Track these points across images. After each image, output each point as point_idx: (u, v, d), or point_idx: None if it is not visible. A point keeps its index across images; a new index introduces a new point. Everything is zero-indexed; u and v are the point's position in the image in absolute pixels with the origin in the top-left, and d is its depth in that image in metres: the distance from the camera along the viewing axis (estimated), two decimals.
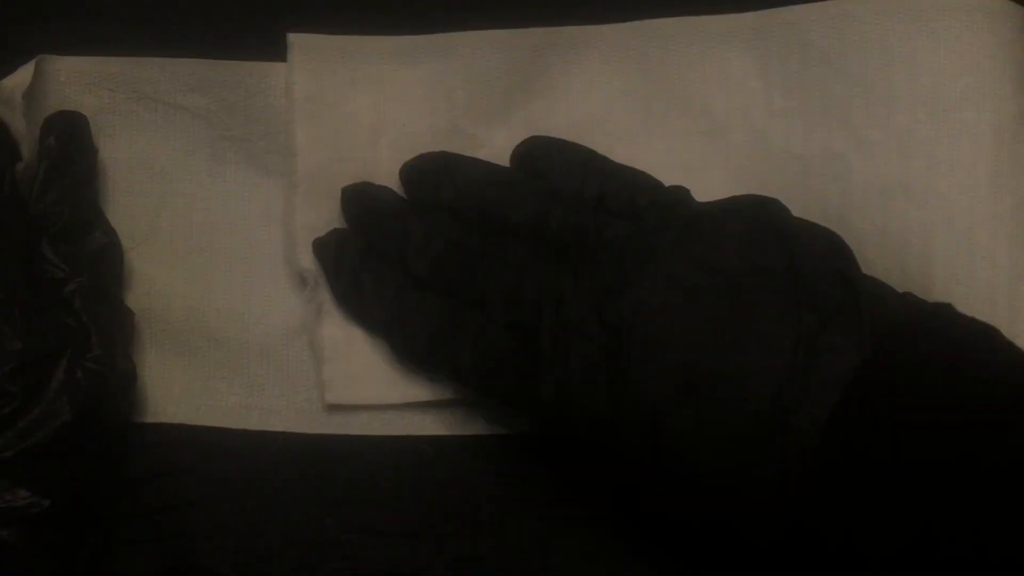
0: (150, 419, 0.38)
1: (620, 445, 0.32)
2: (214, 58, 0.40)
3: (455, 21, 0.40)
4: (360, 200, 0.38)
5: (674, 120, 0.39)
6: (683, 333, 0.31)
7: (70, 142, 0.38)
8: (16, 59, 0.39)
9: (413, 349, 0.36)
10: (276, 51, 0.40)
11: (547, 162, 0.37)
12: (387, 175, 0.39)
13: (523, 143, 0.38)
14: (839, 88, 0.38)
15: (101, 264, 0.37)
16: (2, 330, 0.33)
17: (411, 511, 0.37)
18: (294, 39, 0.39)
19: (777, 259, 0.31)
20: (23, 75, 0.38)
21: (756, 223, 0.32)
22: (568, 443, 0.35)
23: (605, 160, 0.37)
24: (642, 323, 0.31)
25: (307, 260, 0.38)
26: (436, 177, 0.37)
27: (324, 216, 0.39)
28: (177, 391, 0.38)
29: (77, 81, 0.39)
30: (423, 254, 0.36)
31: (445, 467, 0.38)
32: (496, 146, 0.39)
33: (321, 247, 0.38)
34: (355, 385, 0.38)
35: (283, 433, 0.38)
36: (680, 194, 0.35)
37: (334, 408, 0.38)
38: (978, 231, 0.36)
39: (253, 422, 0.38)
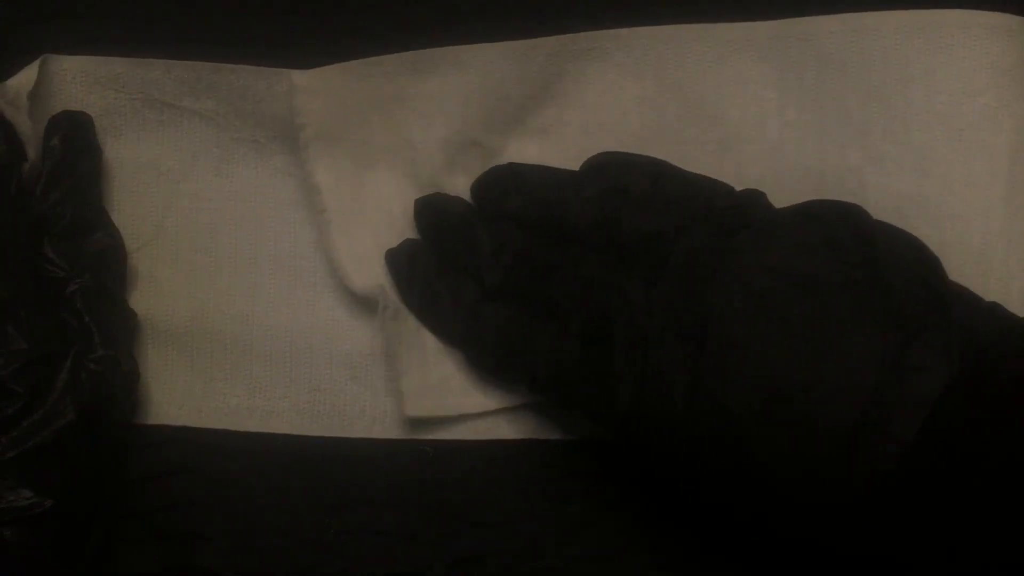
0: (152, 420, 0.38)
1: (696, 456, 0.31)
2: (220, 61, 0.40)
3: (461, 32, 0.40)
4: (431, 211, 0.38)
5: (688, 129, 0.39)
6: (764, 344, 0.30)
7: (74, 142, 0.38)
8: (22, 59, 0.39)
9: (488, 360, 0.36)
10: (283, 55, 0.40)
11: (615, 170, 0.36)
12: (412, 191, 0.39)
13: (591, 157, 0.37)
14: (855, 102, 0.38)
15: (104, 264, 0.37)
16: (7, 330, 0.33)
17: (411, 512, 0.37)
18: (298, 79, 0.39)
19: (861, 268, 0.30)
20: (28, 75, 0.38)
21: (837, 229, 0.31)
22: (641, 453, 0.35)
23: (675, 167, 0.36)
24: (721, 334, 0.30)
25: (364, 283, 0.38)
26: (503, 185, 0.37)
27: (366, 242, 0.39)
28: (179, 392, 0.39)
29: (82, 81, 0.40)
30: (495, 264, 0.36)
31: (445, 468, 0.38)
32: (511, 156, 0.39)
33: (393, 258, 0.38)
34: (433, 397, 0.37)
35: (284, 434, 0.38)
36: (755, 197, 0.34)
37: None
38: (992, 251, 0.36)
39: (254, 424, 0.38)
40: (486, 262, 0.36)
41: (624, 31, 0.39)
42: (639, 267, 0.33)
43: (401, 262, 0.38)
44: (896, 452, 0.28)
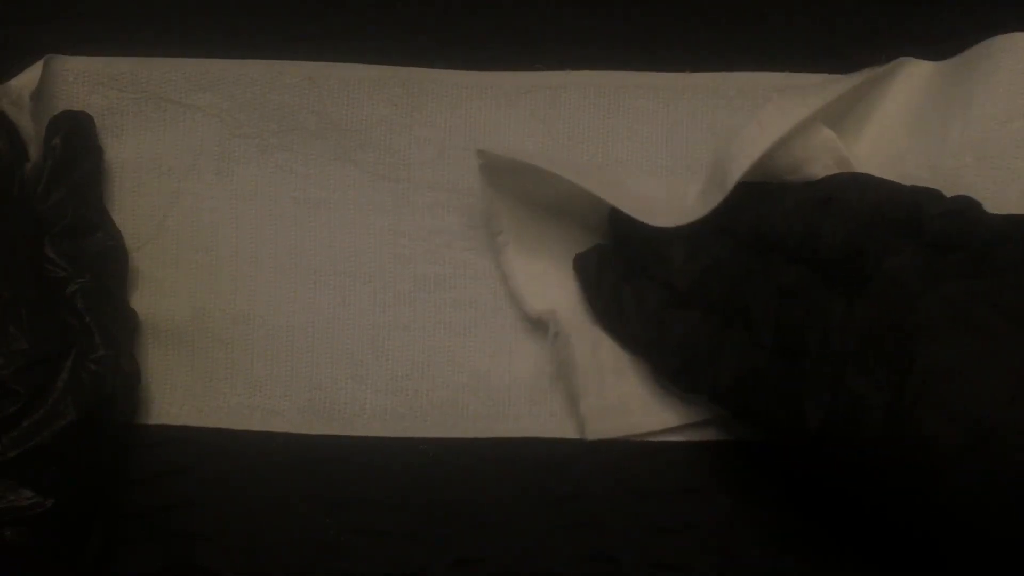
0: (152, 420, 0.38)
1: (888, 484, 0.31)
2: (224, 58, 0.40)
3: (461, 31, 0.41)
4: (626, 216, 0.37)
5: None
6: (975, 378, 0.29)
7: (75, 142, 0.38)
8: (25, 59, 0.39)
9: (671, 365, 0.36)
10: (288, 49, 0.40)
11: (821, 180, 0.35)
12: (589, 215, 0.39)
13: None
14: (892, 128, 0.38)
15: (104, 264, 0.37)
16: (8, 330, 0.33)
17: (411, 512, 0.37)
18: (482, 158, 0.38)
19: None
20: (31, 75, 0.39)
21: None
22: (820, 471, 0.34)
23: (880, 178, 0.35)
24: (928, 361, 0.29)
25: (540, 307, 0.38)
26: None
27: (540, 264, 0.39)
28: (179, 392, 0.39)
29: (85, 81, 0.40)
30: (688, 269, 0.35)
31: (445, 468, 0.38)
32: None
33: (582, 261, 0.38)
34: (613, 418, 0.37)
35: (284, 434, 0.38)
36: (968, 205, 0.33)
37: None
38: None
39: (255, 422, 0.38)
40: (679, 267, 0.35)
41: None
42: (839, 281, 0.33)
43: (590, 265, 0.38)
44: None
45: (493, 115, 0.40)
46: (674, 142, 0.40)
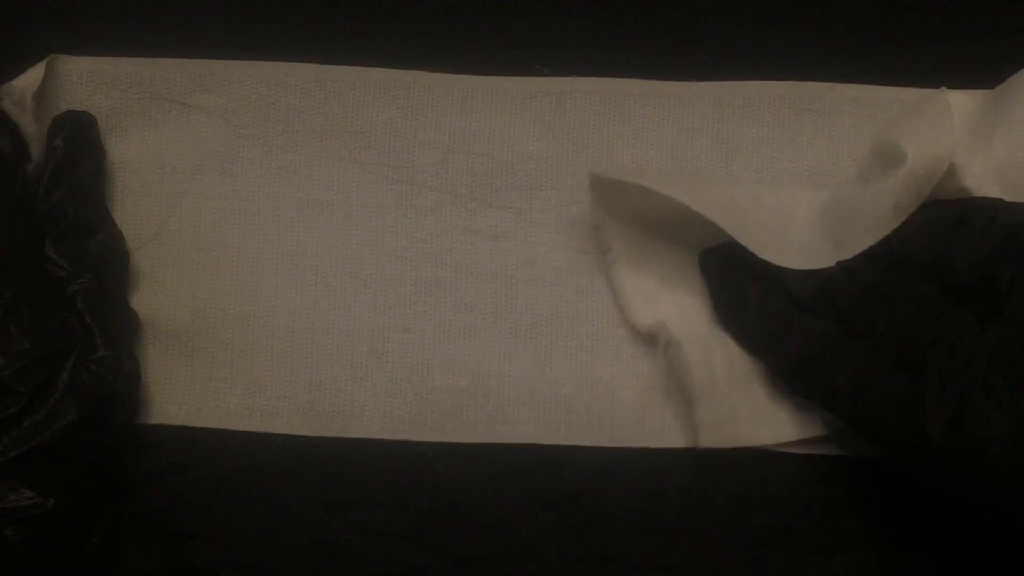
0: (152, 420, 0.38)
1: (1006, 507, 0.30)
2: (228, 59, 0.40)
3: (463, 30, 0.41)
4: None
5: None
6: None
7: (77, 142, 0.38)
8: (28, 59, 0.39)
9: (788, 365, 0.36)
10: (293, 51, 0.40)
11: (954, 202, 0.35)
12: (698, 230, 0.38)
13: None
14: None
15: (105, 265, 0.37)
16: (10, 330, 0.33)
17: (411, 512, 0.37)
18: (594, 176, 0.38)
19: None
20: (34, 75, 0.38)
21: None
22: (936, 485, 0.34)
23: (1011, 202, 0.35)
24: None
25: (647, 319, 0.38)
26: None
27: (649, 278, 0.39)
28: (179, 392, 0.39)
29: (88, 81, 0.40)
30: (813, 275, 0.36)
31: (445, 469, 0.38)
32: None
33: (708, 257, 0.38)
34: (723, 428, 0.37)
35: (284, 434, 0.38)
36: None
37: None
38: None
39: (254, 423, 0.39)
40: (805, 272, 0.36)
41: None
42: (971, 301, 0.33)
43: (715, 262, 0.38)
44: None
45: (497, 120, 0.41)
46: (679, 150, 0.41)
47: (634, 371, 0.39)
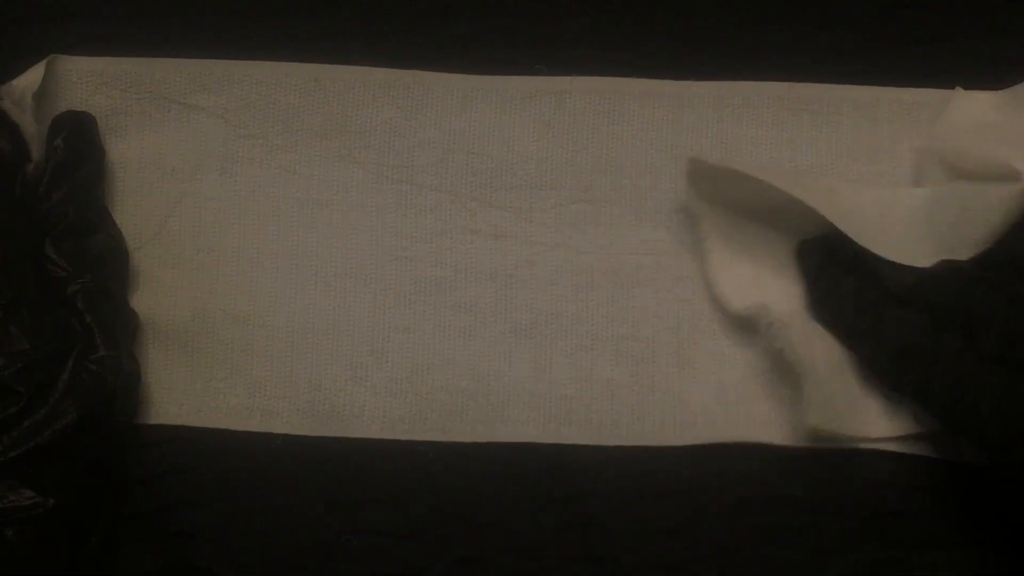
0: (152, 420, 0.38)
1: None
2: (228, 59, 0.40)
3: (464, 30, 0.41)
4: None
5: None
6: None
7: (77, 142, 0.38)
8: (28, 59, 0.39)
9: (881, 358, 0.36)
10: (293, 50, 0.41)
11: None
12: (792, 218, 0.38)
13: None
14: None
15: (105, 265, 0.37)
16: (10, 330, 0.33)
17: (411, 512, 0.37)
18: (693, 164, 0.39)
19: None
20: (34, 75, 0.39)
21: None
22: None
23: None
24: None
25: (745, 304, 0.38)
26: None
27: (744, 266, 0.39)
28: (179, 392, 0.39)
29: (88, 81, 0.40)
30: (910, 269, 0.36)
31: (445, 469, 0.38)
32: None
33: (806, 248, 0.38)
34: (830, 411, 0.37)
35: (284, 434, 0.38)
36: None
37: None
38: None
39: (254, 423, 0.38)
40: (902, 265, 0.36)
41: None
42: None
43: (813, 253, 0.38)
44: None
45: (497, 119, 0.41)
46: (679, 150, 0.41)
47: (634, 371, 0.39)
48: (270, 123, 0.40)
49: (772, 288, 0.39)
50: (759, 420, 0.38)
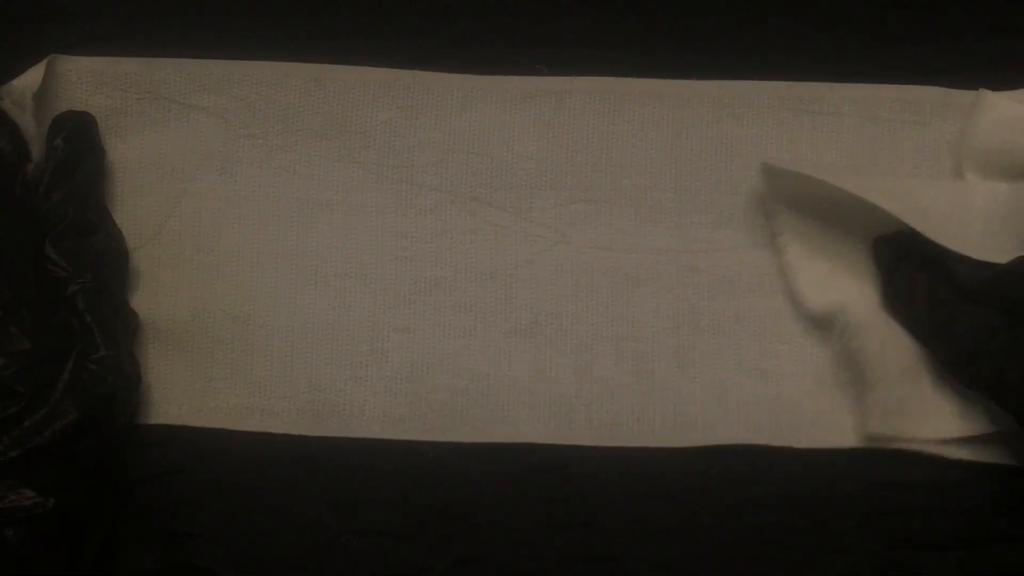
0: (152, 420, 0.38)
1: None
2: (228, 59, 0.40)
3: (464, 30, 0.41)
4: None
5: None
6: None
7: (77, 142, 0.38)
8: (28, 59, 0.39)
9: (955, 355, 0.36)
10: (293, 51, 0.41)
11: None
12: (868, 219, 0.38)
13: None
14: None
15: (105, 265, 0.37)
16: (10, 330, 0.33)
17: (411, 512, 0.37)
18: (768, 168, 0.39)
19: None
20: (34, 75, 0.39)
21: None
22: None
23: None
24: None
25: (822, 303, 0.39)
26: None
27: (821, 264, 0.39)
28: (179, 392, 0.39)
29: (88, 81, 0.40)
30: (985, 266, 0.36)
31: (445, 469, 0.38)
32: None
33: (882, 244, 0.38)
34: (894, 418, 0.37)
35: (284, 434, 0.38)
36: None
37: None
38: None
39: (254, 423, 0.38)
40: (976, 263, 0.36)
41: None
42: None
43: (888, 249, 0.38)
44: None
45: (497, 119, 0.41)
46: (679, 149, 0.41)
47: (634, 371, 0.39)
48: (270, 123, 0.40)
49: (847, 287, 0.39)
50: (759, 420, 0.38)
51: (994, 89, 0.40)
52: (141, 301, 0.39)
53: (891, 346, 0.37)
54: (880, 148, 0.40)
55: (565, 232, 0.40)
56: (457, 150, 0.41)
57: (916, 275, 0.37)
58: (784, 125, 0.41)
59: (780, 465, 0.38)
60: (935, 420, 0.37)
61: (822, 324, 0.39)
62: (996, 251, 0.36)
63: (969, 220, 0.37)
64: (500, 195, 0.40)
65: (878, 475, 0.38)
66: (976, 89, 0.40)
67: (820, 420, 0.38)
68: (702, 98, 0.41)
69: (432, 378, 0.39)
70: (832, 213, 0.39)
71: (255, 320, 0.39)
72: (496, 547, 0.37)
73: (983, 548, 0.37)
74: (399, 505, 0.38)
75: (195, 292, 0.39)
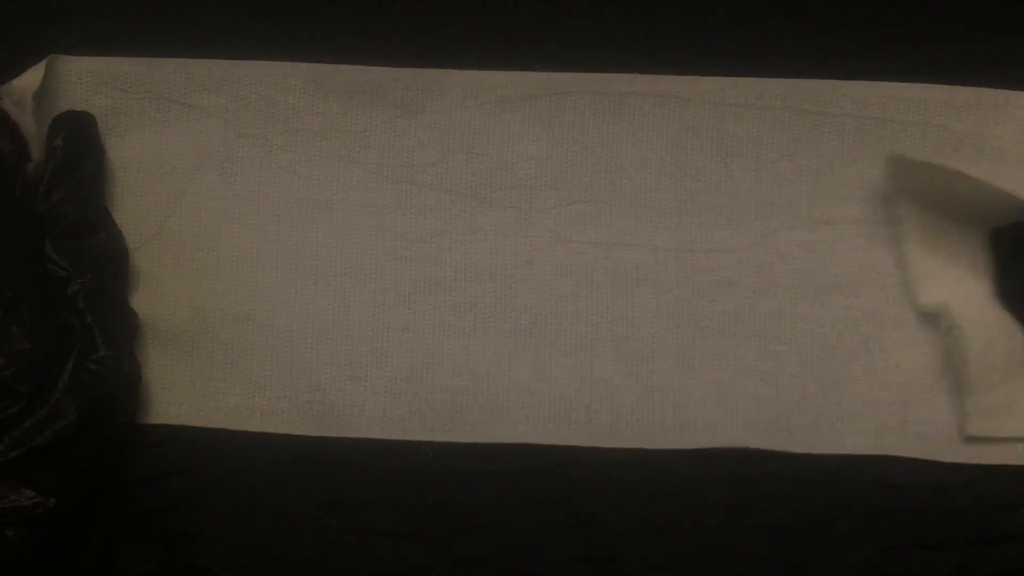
0: (152, 420, 0.38)
1: None
2: (228, 59, 0.40)
3: (464, 31, 0.41)
4: None
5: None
6: None
7: (77, 142, 0.38)
8: (28, 59, 0.39)
9: None
10: (293, 51, 0.41)
11: None
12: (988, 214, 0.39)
13: None
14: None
15: (106, 265, 0.37)
16: (10, 330, 0.33)
17: (411, 512, 0.37)
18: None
19: None
20: (34, 75, 0.39)
21: None
22: None
23: None
24: None
25: (933, 299, 0.38)
26: None
27: (937, 258, 0.39)
28: (179, 392, 0.39)
29: (88, 81, 0.40)
30: None
31: (445, 469, 0.38)
32: None
33: (1000, 236, 0.39)
34: (996, 417, 0.37)
35: (284, 434, 0.38)
36: None
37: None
38: None
39: (254, 423, 0.38)
40: None
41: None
42: None
43: (1007, 241, 0.38)
44: None
45: (497, 118, 0.41)
46: (679, 147, 0.41)
47: (634, 371, 0.39)
48: (270, 123, 0.40)
49: (962, 282, 0.39)
50: (759, 421, 0.38)
51: (994, 89, 0.40)
52: (141, 301, 0.39)
53: (999, 343, 0.38)
54: (882, 147, 0.40)
55: (565, 232, 0.40)
56: (457, 150, 0.41)
57: None
58: (784, 125, 0.41)
59: (780, 466, 0.38)
60: None
61: (929, 319, 0.39)
62: None
63: None
64: (500, 195, 0.40)
65: (878, 476, 0.37)
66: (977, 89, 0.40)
67: (820, 421, 0.38)
68: (702, 98, 0.41)
69: (432, 378, 0.39)
70: (952, 205, 0.39)
71: (255, 320, 0.39)
72: (496, 547, 0.37)
73: (983, 548, 0.37)
74: (399, 505, 0.37)
75: (195, 292, 0.39)
